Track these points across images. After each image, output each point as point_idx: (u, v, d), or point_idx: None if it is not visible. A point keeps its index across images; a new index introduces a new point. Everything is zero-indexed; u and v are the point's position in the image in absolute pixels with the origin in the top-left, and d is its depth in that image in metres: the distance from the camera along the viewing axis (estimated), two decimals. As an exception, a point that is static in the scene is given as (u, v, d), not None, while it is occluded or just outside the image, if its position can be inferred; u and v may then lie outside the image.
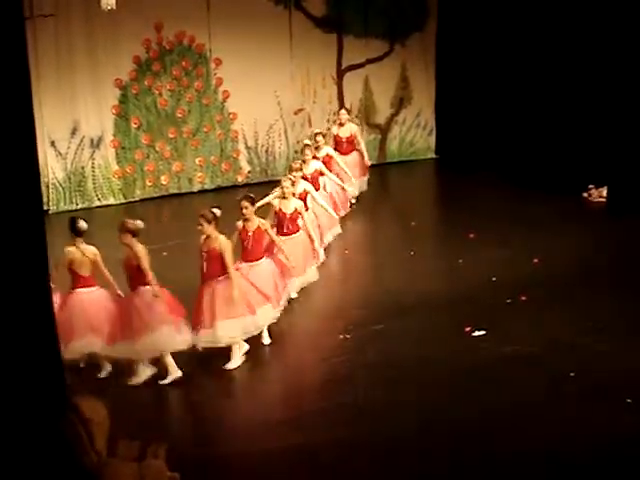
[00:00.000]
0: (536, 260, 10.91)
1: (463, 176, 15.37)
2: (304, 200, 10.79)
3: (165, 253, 11.61)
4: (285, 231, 10.16)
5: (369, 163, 14.26)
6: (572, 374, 7.96)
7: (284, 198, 10.19)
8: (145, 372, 8.37)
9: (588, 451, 6.79)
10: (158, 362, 8.39)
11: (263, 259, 9.23)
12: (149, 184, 15.23)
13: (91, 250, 8.59)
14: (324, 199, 11.82)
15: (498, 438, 7.03)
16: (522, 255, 11.13)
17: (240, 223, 9.14)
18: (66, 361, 6.13)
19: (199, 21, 15.02)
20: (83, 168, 14.74)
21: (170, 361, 8.35)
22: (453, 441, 7.08)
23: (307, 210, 10.76)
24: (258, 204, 9.60)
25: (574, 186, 13.59)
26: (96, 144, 14.76)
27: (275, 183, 11.20)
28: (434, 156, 17.26)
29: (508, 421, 7.32)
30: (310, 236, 10.39)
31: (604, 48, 13.12)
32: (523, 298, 9.77)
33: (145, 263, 8.19)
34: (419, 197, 15.27)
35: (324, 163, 12.63)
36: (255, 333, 8.79)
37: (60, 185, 14.64)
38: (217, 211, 8.61)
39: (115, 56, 14.56)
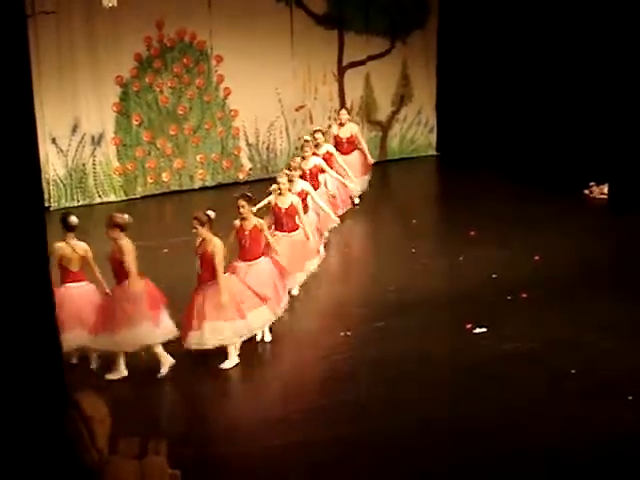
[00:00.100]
0: (537, 257, 10.90)
1: (464, 173, 15.34)
2: (304, 200, 10.70)
3: (166, 250, 11.61)
4: (284, 228, 10.11)
5: (372, 162, 14.20)
6: (573, 371, 7.96)
7: (280, 194, 10.14)
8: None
9: (589, 449, 6.80)
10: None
11: (262, 258, 9.19)
12: (150, 181, 15.21)
13: (81, 246, 8.56)
14: (323, 199, 11.65)
15: (499, 435, 7.05)
16: (523, 252, 11.12)
17: (237, 222, 9.11)
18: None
19: (200, 18, 14.98)
20: (84, 165, 14.71)
21: (160, 351, 8.35)
22: (454, 438, 7.09)
23: (306, 213, 10.62)
24: (258, 206, 9.56)
25: (575, 183, 13.57)
26: (97, 141, 14.72)
27: (276, 180, 11.17)
28: (435, 153, 17.21)
29: (509, 418, 7.32)
30: (306, 234, 10.20)
31: (605, 45, 13.12)
32: (524, 295, 9.76)
33: (129, 258, 8.16)
34: (420, 195, 15.22)
35: (324, 160, 12.41)
36: (249, 336, 8.74)
37: (61, 182, 14.62)
38: (211, 213, 8.54)
39: (116, 53, 14.52)
